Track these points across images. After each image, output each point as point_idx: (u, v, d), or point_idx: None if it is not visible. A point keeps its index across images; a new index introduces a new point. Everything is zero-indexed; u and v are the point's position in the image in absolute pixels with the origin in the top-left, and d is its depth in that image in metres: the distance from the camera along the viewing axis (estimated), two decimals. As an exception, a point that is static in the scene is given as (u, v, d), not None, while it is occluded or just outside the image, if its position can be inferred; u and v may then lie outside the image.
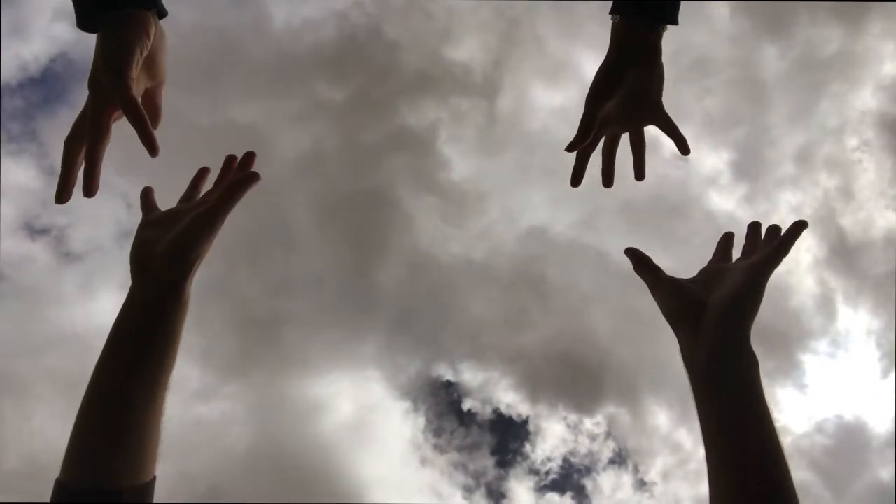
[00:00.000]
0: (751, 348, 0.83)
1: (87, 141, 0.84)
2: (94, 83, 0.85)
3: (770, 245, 0.90)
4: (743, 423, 0.79)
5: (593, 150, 1.07)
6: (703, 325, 0.85)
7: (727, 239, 1.01)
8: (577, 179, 1.07)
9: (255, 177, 0.84)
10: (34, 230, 7.19)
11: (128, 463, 0.73)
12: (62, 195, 0.85)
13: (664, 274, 0.94)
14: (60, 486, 0.72)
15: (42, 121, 7.45)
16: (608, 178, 1.09)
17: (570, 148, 1.02)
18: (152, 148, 0.86)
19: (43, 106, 7.36)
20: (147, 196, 0.93)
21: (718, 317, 0.84)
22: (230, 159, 0.95)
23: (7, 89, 7.03)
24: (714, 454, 0.79)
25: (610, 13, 1.00)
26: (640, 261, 0.96)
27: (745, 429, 0.79)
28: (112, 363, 0.77)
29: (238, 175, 0.87)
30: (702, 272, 0.95)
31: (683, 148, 1.04)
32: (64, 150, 0.85)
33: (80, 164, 0.86)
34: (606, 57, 1.01)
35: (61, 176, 0.85)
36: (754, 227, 0.97)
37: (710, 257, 1.00)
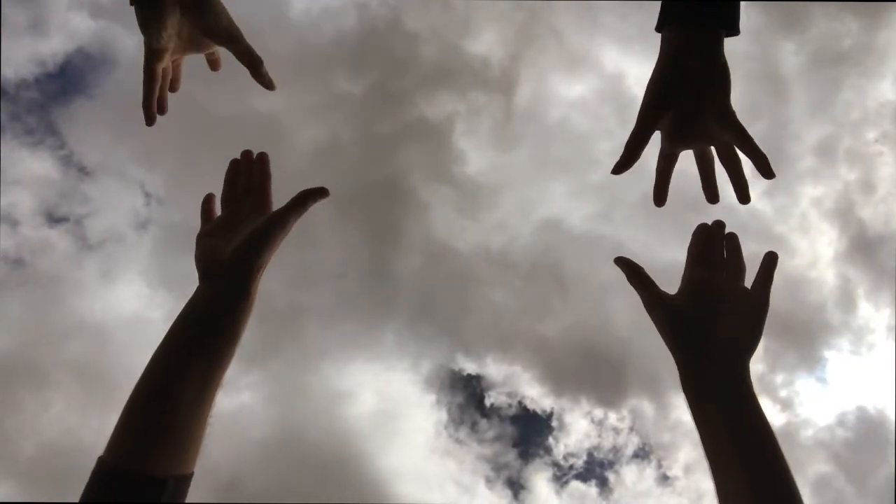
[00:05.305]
0: (750, 381, 0.84)
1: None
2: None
3: (761, 282, 0.91)
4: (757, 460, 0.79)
5: (672, 166, 0.94)
6: (707, 364, 0.85)
7: (703, 236, 0.96)
8: (660, 199, 0.95)
9: (325, 192, 0.91)
10: (53, 219, 7.28)
11: (174, 451, 0.75)
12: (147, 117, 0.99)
13: (660, 291, 0.92)
14: (103, 465, 0.73)
15: (59, 113, 7.53)
16: (660, 199, 0.96)
17: (615, 171, 0.88)
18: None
19: (60, 98, 7.44)
20: (208, 203, 0.97)
21: (725, 362, 0.85)
22: (245, 158, 1.00)
23: (24, 84, 7.12)
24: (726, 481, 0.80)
25: (658, 29, 0.89)
26: (632, 272, 0.94)
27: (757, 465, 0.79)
28: (174, 348, 0.80)
29: (311, 188, 0.92)
30: (690, 287, 0.93)
31: (764, 170, 0.86)
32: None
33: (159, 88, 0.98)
34: (658, 68, 0.89)
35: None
36: (720, 226, 0.95)
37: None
